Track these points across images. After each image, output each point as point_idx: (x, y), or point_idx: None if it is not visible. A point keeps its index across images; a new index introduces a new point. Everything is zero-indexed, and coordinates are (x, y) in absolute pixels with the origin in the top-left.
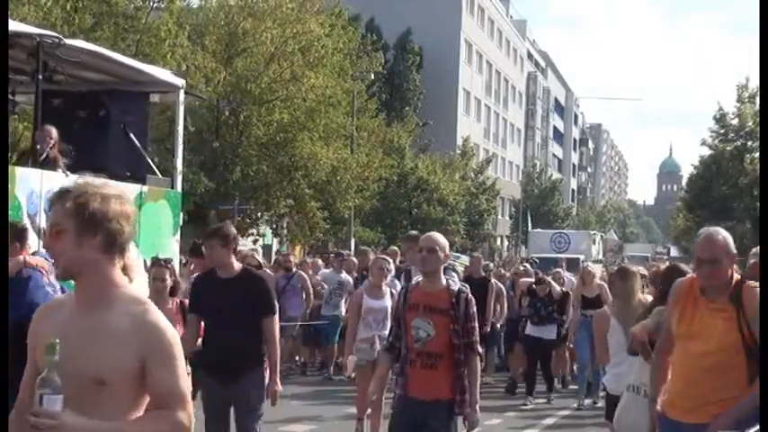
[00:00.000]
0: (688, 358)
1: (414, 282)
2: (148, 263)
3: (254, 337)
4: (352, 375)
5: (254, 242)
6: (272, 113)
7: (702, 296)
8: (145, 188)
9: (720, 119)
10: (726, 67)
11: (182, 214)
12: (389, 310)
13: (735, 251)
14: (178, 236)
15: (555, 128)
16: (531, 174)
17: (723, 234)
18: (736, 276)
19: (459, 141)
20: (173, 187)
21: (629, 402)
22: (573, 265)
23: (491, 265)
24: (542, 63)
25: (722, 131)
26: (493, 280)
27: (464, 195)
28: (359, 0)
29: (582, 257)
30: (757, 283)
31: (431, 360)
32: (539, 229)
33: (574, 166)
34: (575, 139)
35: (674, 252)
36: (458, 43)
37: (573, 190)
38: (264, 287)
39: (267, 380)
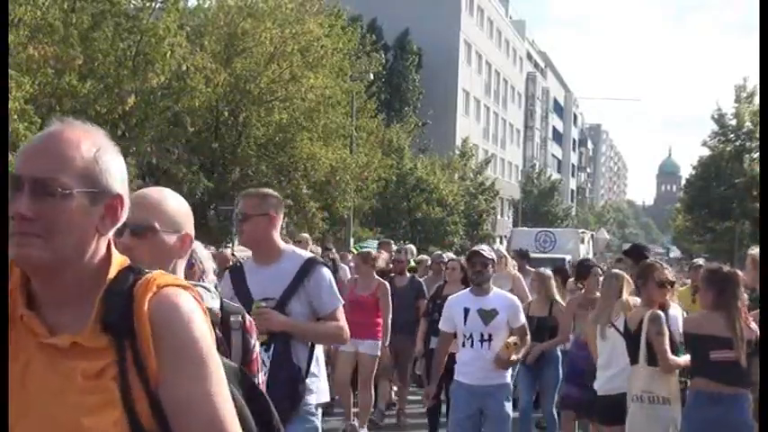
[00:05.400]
0: None
1: None
2: None
3: None
4: None
5: None
6: (272, 114)
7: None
8: None
9: (719, 119)
10: (726, 68)
11: None
12: None
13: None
14: None
15: (554, 128)
16: (530, 174)
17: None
18: (119, 259)
19: (459, 142)
20: None
21: (635, 412)
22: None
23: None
24: (541, 63)
25: (721, 132)
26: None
27: (463, 196)
28: (359, 0)
29: (568, 258)
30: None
31: None
32: (523, 227)
33: (573, 166)
34: (574, 140)
35: (673, 252)
36: (457, 43)
37: (572, 190)
38: None
39: None
